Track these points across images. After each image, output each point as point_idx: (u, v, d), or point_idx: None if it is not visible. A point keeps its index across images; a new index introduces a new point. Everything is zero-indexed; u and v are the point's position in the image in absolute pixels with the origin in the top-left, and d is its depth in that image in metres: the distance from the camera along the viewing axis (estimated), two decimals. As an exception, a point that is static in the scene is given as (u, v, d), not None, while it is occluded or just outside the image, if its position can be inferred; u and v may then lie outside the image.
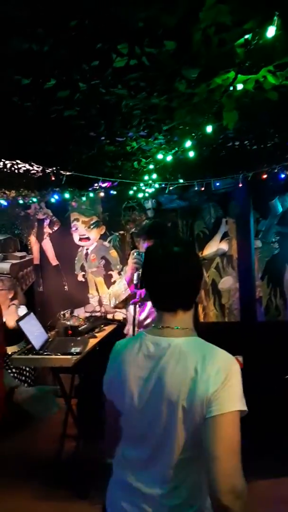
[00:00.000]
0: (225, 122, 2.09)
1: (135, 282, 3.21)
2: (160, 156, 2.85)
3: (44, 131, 2.54)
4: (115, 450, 1.53)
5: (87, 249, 5.31)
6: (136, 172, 3.57)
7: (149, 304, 3.38)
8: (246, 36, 1.58)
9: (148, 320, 3.39)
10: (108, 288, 5.18)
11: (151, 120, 2.38)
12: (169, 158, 2.81)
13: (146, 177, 3.59)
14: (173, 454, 1.31)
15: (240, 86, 1.90)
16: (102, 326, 4.58)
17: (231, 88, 1.88)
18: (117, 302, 3.44)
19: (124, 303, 3.49)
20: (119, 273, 5.15)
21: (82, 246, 5.33)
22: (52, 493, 3.44)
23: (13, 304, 4.50)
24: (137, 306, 3.30)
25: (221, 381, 1.25)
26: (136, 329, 3.37)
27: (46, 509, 3.27)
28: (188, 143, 2.42)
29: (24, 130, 2.58)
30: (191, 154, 2.62)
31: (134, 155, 2.99)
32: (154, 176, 3.46)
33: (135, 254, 3.24)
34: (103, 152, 2.95)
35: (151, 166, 3.27)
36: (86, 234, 5.27)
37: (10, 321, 4.17)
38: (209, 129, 2.15)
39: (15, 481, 3.59)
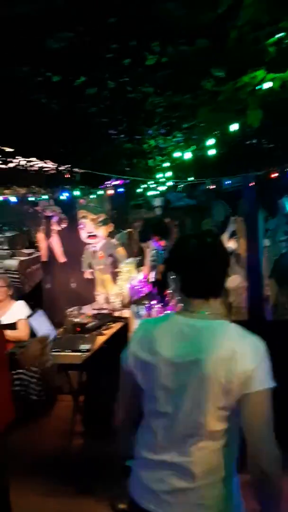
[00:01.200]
0: (249, 121, 2.10)
1: (151, 280, 3.18)
2: (177, 154, 2.86)
3: (65, 129, 2.55)
4: (131, 425, 1.57)
5: (94, 246, 5.30)
6: (149, 170, 3.59)
7: (171, 303, 3.34)
8: (279, 35, 1.60)
9: None
10: (115, 285, 5.18)
11: (172, 118, 2.39)
12: (188, 155, 2.82)
13: (159, 175, 3.60)
14: (202, 428, 1.37)
15: (267, 85, 1.91)
16: (110, 323, 4.57)
17: (258, 87, 1.90)
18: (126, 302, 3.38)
19: (133, 302, 3.44)
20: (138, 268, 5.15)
21: (90, 244, 5.32)
22: (59, 489, 3.43)
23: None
24: (153, 305, 3.28)
25: (259, 360, 1.32)
26: None
27: (54, 505, 3.27)
28: (211, 141, 2.43)
29: (45, 129, 2.59)
30: (212, 152, 2.63)
31: (150, 153, 3.00)
32: (169, 174, 3.48)
33: (152, 252, 3.19)
34: (120, 150, 2.96)
35: (166, 164, 3.28)
36: (93, 231, 5.25)
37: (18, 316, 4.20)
38: (233, 127, 2.17)
39: (23, 477, 3.59)
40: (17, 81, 1.96)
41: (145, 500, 1.44)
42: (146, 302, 3.20)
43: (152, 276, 3.09)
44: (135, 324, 3.45)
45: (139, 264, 3.30)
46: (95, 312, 5.04)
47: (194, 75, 1.89)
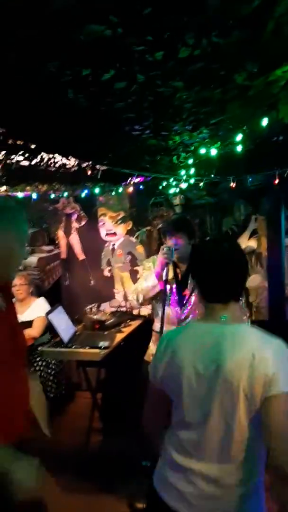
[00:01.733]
0: (281, 115, 2.07)
1: (164, 278, 3.15)
2: (202, 151, 2.82)
3: (90, 125, 2.53)
4: (159, 433, 1.60)
5: (113, 244, 5.29)
6: (171, 167, 3.55)
7: (191, 302, 3.31)
8: None
9: (188, 319, 3.32)
10: (134, 283, 5.16)
11: (200, 114, 2.36)
12: (213, 152, 2.78)
13: (182, 172, 3.56)
14: (232, 436, 1.38)
15: (302, 79, 1.87)
16: (128, 321, 4.57)
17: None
18: (144, 299, 3.34)
19: (150, 300, 3.41)
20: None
21: (109, 241, 5.31)
22: (79, 486, 3.44)
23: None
24: (172, 302, 3.25)
25: (280, 364, 1.34)
26: (166, 325, 3.33)
27: (74, 501, 3.27)
28: (238, 137, 2.39)
29: (70, 124, 2.58)
30: (238, 148, 2.59)
31: (175, 149, 2.97)
32: (192, 171, 3.44)
33: (164, 249, 3.15)
34: (144, 146, 2.93)
35: (190, 161, 3.24)
36: (113, 229, 5.24)
37: (37, 313, 4.22)
38: (263, 122, 2.12)
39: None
40: (45, 75, 1.94)
41: (171, 499, 1.48)
42: (159, 301, 3.18)
43: (164, 274, 3.07)
44: (155, 325, 3.43)
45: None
46: (114, 309, 5.04)
47: (226, 68, 1.85)
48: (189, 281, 3.28)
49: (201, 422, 1.43)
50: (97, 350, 3.58)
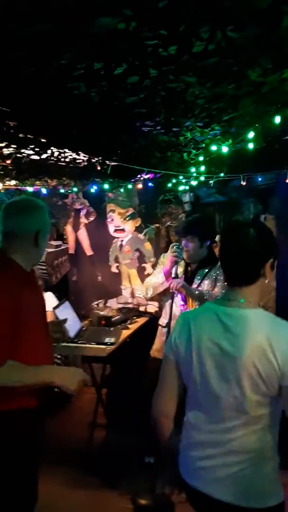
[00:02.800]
0: (294, 113, 2.04)
1: (173, 275, 3.15)
2: (214, 148, 2.80)
3: (101, 120, 2.52)
4: (173, 412, 1.64)
5: (121, 240, 5.29)
6: (182, 164, 3.53)
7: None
8: None
9: None
10: (141, 280, 5.16)
11: (213, 110, 2.33)
12: (224, 149, 2.76)
13: (193, 169, 3.54)
14: (246, 414, 1.44)
15: None
16: (135, 318, 4.57)
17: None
18: (153, 294, 3.40)
19: (160, 296, 3.45)
20: (153, 266, 5.12)
21: (117, 238, 5.30)
22: (81, 481, 3.46)
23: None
24: (175, 298, 3.26)
25: None
26: (172, 321, 3.33)
27: (77, 496, 3.29)
28: (251, 134, 2.37)
29: (81, 119, 2.57)
30: (251, 146, 2.56)
31: (186, 146, 2.95)
32: (202, 168, 3.42)
33: (174, 247, 3.17)
34: (154, 143, 2.91)
35: (201, 158, 3.22)
36: (121, 225, 5.24)
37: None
38: (277, 119, 2.10)
39: (46, 468, 3.61)
40: (57, 69, 1.93)
41: (193, 479, 1.55)
42: (173, 296, 3.20)
43: (173, 272, 3.08)
44: (161, 319, 3.45)
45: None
46: (121, 306, 5.03)
47: (240, 64, 1.83)
48: (195, 279, 3.29)
49: (214, 401, 1.49)
50: (103, 346, 3.58)
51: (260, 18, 1.51)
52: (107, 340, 3.68)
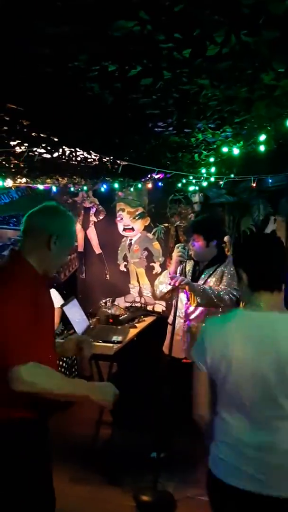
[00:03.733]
0: (306, 117, 2.04)
1: (178, 274, 3.20)
2: (225, 149, 2.80)
3: (114, 120, 2.54)
4: (208, 415, 1.71)
5: (130, 239, 5.31)
6: (192, 164, 3.54)
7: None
8: None
9: (196, 313, 3.35)
10: (149, 279, 5.18)
11: (225, 112, 2.34)
12: (236, 151, 2.77)
13: (203, 170, 3.55)
14: (279, 410, 1.52)
15: None
16: (142, 317, 4.59)
17: None
18: (162, 293, 3.42)
19: (170, 294, 3.47)
20: (161, 266, 5.14)
21: (126, 237, 5.33)
22: (86, 477, 3.49)
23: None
24: (180, 296, 3.29)
25: None
26: (181, 320, 3.35)
27: (81, 492, 3.32)
28: (262, 137, 2.37)
29: (93, 119, 2.58)
30: (262, 148, 2.57)
31: (197, 147, 2.95)
32: (213, 169, 3.42)
33: (180, 248, 3.22)
34: (166, 143, 2.92)
35: (211, 159, 3.22)
36: (130, 224, 5.26)
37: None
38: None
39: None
40: (73, 70, 1.95)
41: (231, 477, 1.59)
42: (179, 295, 3.24)
43: (179, 271, 3.12)
44: (171, 315, 3.46)
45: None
46: (128, 304, 5.06)
47: (253, 67, 1.84)
48: (202, 277, 3.32)
49: (254, 401, 1.55)
50: (110, 344, 3.60)
51: (275, 23, 1.52)
52: (114, 338, 3.71)
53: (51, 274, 1.89)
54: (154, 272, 5.20)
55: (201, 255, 3.31)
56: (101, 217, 5.43)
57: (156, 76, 1.94)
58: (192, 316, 3.37)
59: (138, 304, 5.15)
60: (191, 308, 3.36)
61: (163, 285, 3.32)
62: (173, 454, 3.53)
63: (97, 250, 5.48)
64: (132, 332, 4.09)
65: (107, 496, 3.24)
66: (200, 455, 3.63)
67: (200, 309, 3.32)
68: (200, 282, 3.27)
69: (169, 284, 3.21)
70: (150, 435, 3.56)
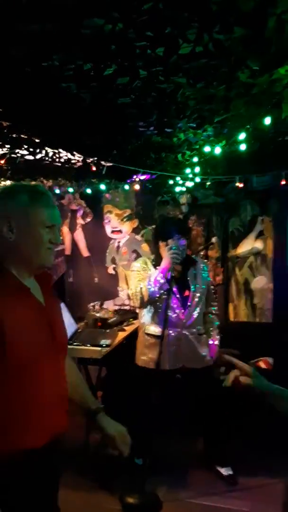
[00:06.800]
0: (284, 115, 2.04)
1: (168, 277, 3.10)
2: (207, 149, 2.80)
3: (95, 120, 2.52)
4: None
5: (118, 242, 5.29)
6: (177, 165, 3.53)
7: (194, 303, 3.27)
8: None
9: (190, 322, 3.25)
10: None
11: (204, 111, 2.34)
12: (217, 150, 2.76)
13: (188, 170, 3.54)
14: None
15: (305, 77, 1.84)
16: (131, 320, 4.56)
17: (296, 79, 1.83)
18: (147, 301, 3.25)
19: (152, 303, 3.28)
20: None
21: (114, 239, 5.30)
22: (74, 482, 3.45)
23: None
24: (174, 304, 3.21)
25: None
26: (177, 330, 3.22)
27: (72, 497, 3.28)
28: (242, 136, 2.37)
29: (74, 119, 2.57)
30: (243, 147, 2.56)
31: (180, 147, 2.95)
32: (197, 169, 3.41)
33: (173, 248, 3.08)
34: (149, 143, 2.91)
35: (195, 159, 3.22)
36: (118, 226, 5.24)
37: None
38: (267, 121, 2.10)
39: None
40: (48, 69, 1.93)
41: None
42: (164, 303, 3.12)
43: (169, 275, 3.03)
44: (149, 328, 3.35)
45: (156, 263, 3.23)
46: (117, 307, 5.03)
47: (228, 65, 1.83)
48: (188, 280, 3.25)
49: None
50: (98, 348, 3.57)
51: (245, 20, 1.51)
52: (102, 342, 3.68)
53: (36, 268, 1.52)
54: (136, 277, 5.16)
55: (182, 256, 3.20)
56: (88, 220, 5.40)
57: (132, 75, 1.93)
58: (188, 324, 3.26)
59: (127, 307, 5.12)
60: (186, 315, 3.25)
61: (152, 289, 3.10)
62: (162, 459, 3.50)
63: (85, 253, 5.45)
64: (121, 335, 4.06)
65: (97, 501, 3.22)
66: (189, 459, 3.65)
67: (194, 316, 3.24)
68: (191, 287, 3.22)
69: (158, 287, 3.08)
70: (138, 440, 3.54)
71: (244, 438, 3.63)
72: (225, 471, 3.34)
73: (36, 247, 1.47)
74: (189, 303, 3.24)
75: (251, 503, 3.06)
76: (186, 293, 3.26)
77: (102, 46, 1.67)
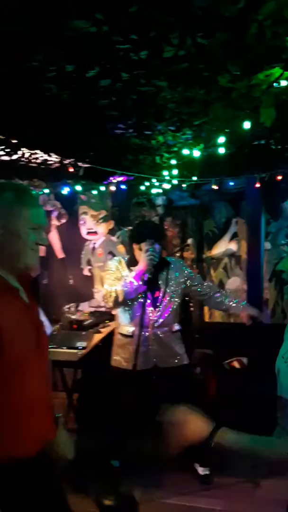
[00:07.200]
0: (262, 119, 2.09)
1: (145, 278, 3.12)
2: (186, 151, 2.83)
3: (73, 121, 2.52)
4: None
5: (94, 243, 5.27)
6: (154, 167, 3.56)
7: (164, 303, 3.29)
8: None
9: (160, 321, 3.28)
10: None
11: (183, 114, 2.37)
12: (196, 153, 2.79)
13: (165, 173, 3.57)
14: None
15: (284, 83, 1.89)
16: (107, 321, 4.55)
17: (275, 85, 1.88)
18: (120, 301, 3.26)
19: (125, 303, 3.33)
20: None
21: (90, 240, 5.29)
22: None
23: None
24: (146, 304, 3.22)
25: None
26: (138, 328, 3.24)
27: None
28: (221, 139, 2.41)
29: (52, 120, 2.55)
30: (221, 150, 2.60)
31: (158, 149, 2.97)
32: (175, 172, 3.45)
33: (150, 250, 3.10)
34: (127, 145, 2.93)
35: (173, 162, 3.24)
36: (94, 228, 5.23)
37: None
38: (246, 125, 2.14)
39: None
40: (29, 69, 1.92)
41: None
42: (136, 303, 3.15)
43: (145, 277, 3.05)
44: (122, 328, 3.36)
45: (130, 264, 3.24)
46: (93, 309, 5.01)
47: (209, 69, 1.86)
48: (160, 283, 3.29)
49: None
50: (74, 351, 3.55)
51: (228, 25, 1.55)
52: (78, 344, 3.65)
53: (21, 270, 1.46)
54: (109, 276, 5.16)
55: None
56: (63, 221, 5.36)
57: (114, 77, 1.94)
58: (158, 323, 3.28)
59: (103, 309, 5.11)
60: (157, 315, 3.27)
61: (127, 290, 3.13)
62: (136, 459, 3.50)
63: (60, 254, 5.41)
64: (97, 337, 4.04)
65: (72, 504, 3.20)
66: (164, 460, 3.67)
67: (165, 315, 3.26)
68: (161, 288, 3.24)
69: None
70: (114, 442, 3.54)
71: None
72: (202, 471, 3.37)
73: (22, 247, 1.42)
74: (158, 303, 3.27)
75: (224, 501, 3.10)
76: (157, 293, 3.29)
77: (86, 49, 1.67)
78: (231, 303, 3.34)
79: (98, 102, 2.21)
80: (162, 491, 3.24)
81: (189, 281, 3.32)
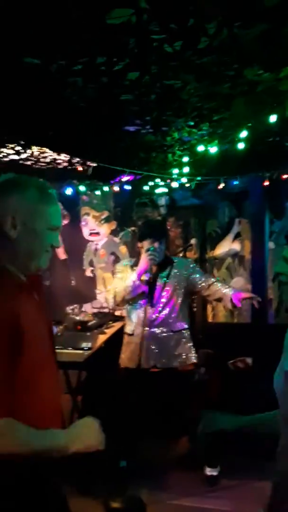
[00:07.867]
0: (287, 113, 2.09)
1: (146, 278, 3.13)
2: (201, 148, 2.82)
3: (89, 119, 2.49)
4: None
5: (96, 244, 5.25)
6: (164, 165, 3.54)
7: (163, 302, 3.29)
8: None
9: (159, 320, 3.29)
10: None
11: (204, 109, 2.36)
12: (213, 150, 2.79)
13: (175, 170, 3.55)
14: None
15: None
16: (111, 322, 4.52)
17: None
18: (121, 300, 3.29)
19: (126, 302, 3.32)
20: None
21: (92, 241, 5.26)
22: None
23: None
24: (145, 303, 3.22)
25: None
26: (138, 327, 3.23)
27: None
28: (244, 133, 2.40)
29: (68, 119, 2.53)
30: (241, 146, 2.60)
31: (171, 146, 2.96)
32: (184, 170, 3.44)
33: (150, 249, 3.13)
34: (140, 143, 2.91)
35: (184, 159, 3.24)
36: (96, 229, 5.20)
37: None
38: (272, 118, 2.14)
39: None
40: (58, 63, 1.89)
41: None
42: (139, 302, 3.18)
43: (146, 276, 3.06)
44: (126, 327, 3.39)
45: (136, 264, 3.26)
46: (96, 310, 4.97)
47: (239, 62, 1.86)
48: (157, 283, 3.28)
49: None
50: (79, 352, 3.52)
51: (268, 16, 1.55)
52: (84, 345, 3.62)
53: (32, 270, 1.39)
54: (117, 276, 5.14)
55: (159, 258, 3.23)
56: (65, 222, 5.32)
57: (143, 70, 1.92)
58: (156, 322, 3.29)
59: (106, 310, 5.07)
60: (155, 314, 3.28)
61: (126, 289, 3.13)
62: (143, 461, 3.47)
63: (62, 255, 5.36)
64: (102, 338, 4.02)
65: (79, 508, 3.14)
66: (170, 461, 3.64)
67: (163, 314, 3.27)
68: (159, 286, 3.24)
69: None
70: (120, 444, 3.50)
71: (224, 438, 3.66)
72: (209, 472, 3.35)
73: (38, 248, 1.38)
74: (155, 302, 3.28)
75: (232, 502, 3.09)
76: (157, 292, 3.29)
77: (122, 39, 1.65)
78: (226, 289, 3.30)
79: (121, 96, 2.18)
80: (169, 493, 3.21)
81: (191, 275, 3.33)
